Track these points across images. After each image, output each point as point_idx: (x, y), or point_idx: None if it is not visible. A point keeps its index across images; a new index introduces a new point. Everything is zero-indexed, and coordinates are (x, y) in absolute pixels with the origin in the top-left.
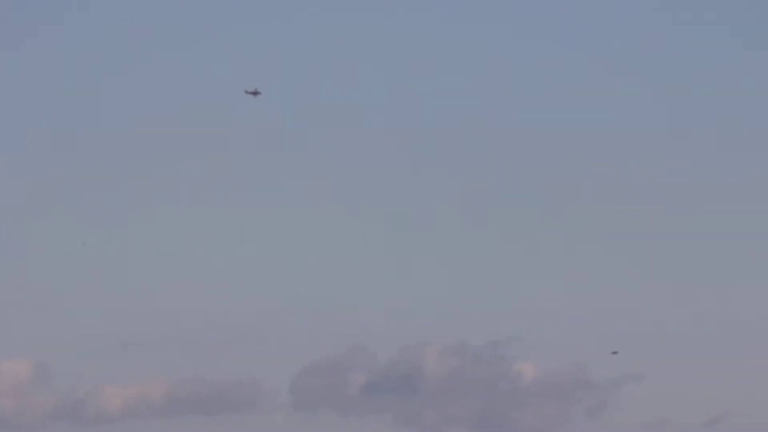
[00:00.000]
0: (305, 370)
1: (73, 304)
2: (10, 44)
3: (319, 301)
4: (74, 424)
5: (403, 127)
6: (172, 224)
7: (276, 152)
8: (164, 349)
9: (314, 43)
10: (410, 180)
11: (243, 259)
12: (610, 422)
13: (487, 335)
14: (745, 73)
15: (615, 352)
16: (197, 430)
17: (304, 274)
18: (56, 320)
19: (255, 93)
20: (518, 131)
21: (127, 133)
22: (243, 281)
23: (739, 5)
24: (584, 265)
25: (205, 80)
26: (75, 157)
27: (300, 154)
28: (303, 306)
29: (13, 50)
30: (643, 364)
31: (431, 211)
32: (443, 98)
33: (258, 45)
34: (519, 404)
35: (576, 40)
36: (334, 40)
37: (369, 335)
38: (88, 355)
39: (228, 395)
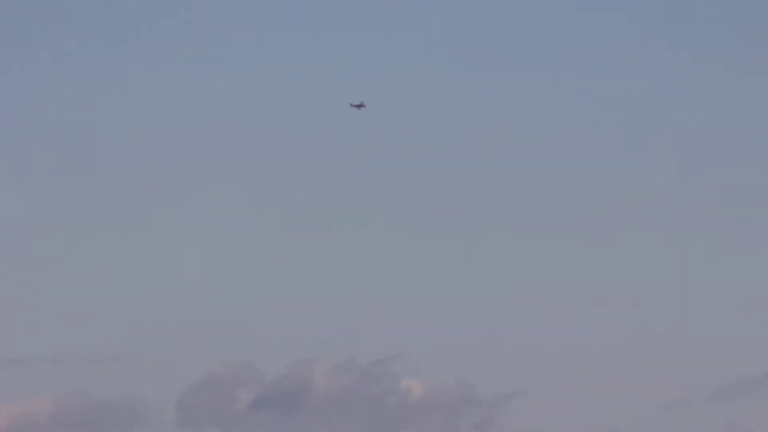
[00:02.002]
0: (192, 387)
1: None
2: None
3: (205, 316)
4: None
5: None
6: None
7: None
8: (50, 367)
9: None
10: (296, 191)
11: (128, 275)
12: None
13: (375, 352)
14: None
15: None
16: None
17: (190, 289)
18: None
19: (360, 106)
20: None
21: None
22: (129, 297)
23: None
24: (471, 282)
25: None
26: None
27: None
28: (189, 322)
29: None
30: (528, 380)
31: (318, 224)
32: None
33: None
34: (407, 421)
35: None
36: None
37: (257, 351)
38: None
39: (114, 412)
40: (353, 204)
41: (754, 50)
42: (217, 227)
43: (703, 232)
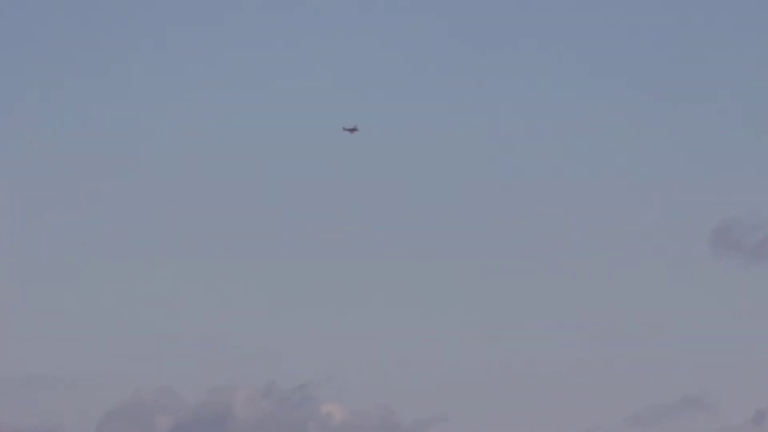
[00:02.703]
0: (111, 413)
1: None
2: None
3: (124, 342)
4: None
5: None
6: None
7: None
8: None
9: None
10: (219, 220)
11: (45, 301)
12: None
13: (296, 377)
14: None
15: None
16: None
17: (109, 313)
18: None
19: (353, 130)
20: None
21: None
22: (45, 320)
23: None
24: (392, 306)
25: None
26: None
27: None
28: (108, 348)
29: None
30: (449, 406)
31: (237, 248)
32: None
33: None
34: None
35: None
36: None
37: (176, 377)
38: None
39: None
40: (271, 229)
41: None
42: (133, 251)
43: (621, 262)
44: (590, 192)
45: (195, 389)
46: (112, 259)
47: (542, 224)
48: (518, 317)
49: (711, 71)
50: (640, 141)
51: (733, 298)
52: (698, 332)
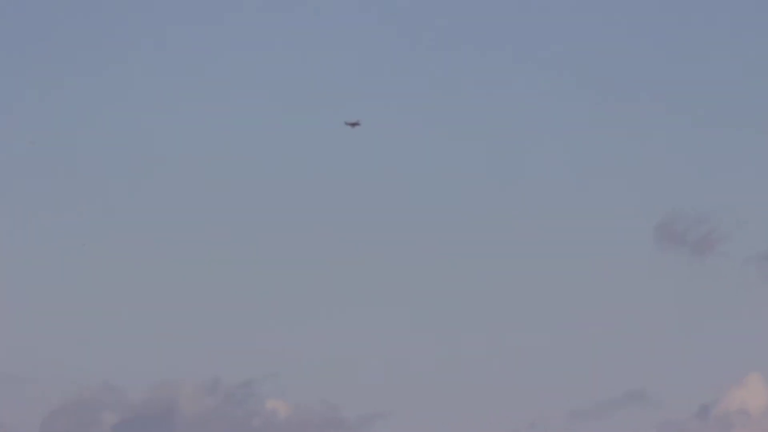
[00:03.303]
0: (55, 412)
1: None
2: None
3: (66, 339)
4: None
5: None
6: None
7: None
8: None
9: None
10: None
11: None
12: None
13: (241, 373)
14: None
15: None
16: None
17: (51, 310)
18: None
19: (354, 124)
20: None
21: None
22: None
23: None
24: (335, 304)
25: None
26: None
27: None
28: (51, 344)
29: None
30: (393, 402)
31: (181, 242)
32: None
33: None
34: None
35: None
36: None
37: (120, 373)
38: None
39: None
40: (218, 222)
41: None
42: (76, 246)
43: (563, 257)
44: (532, 186)
45: (139, 386)
46: (53, 257)
47: (476, 220)
48: (460, 313)
49: (642, 69)
50: (581, 136)
51: (677, 293)
52: (642, 327)
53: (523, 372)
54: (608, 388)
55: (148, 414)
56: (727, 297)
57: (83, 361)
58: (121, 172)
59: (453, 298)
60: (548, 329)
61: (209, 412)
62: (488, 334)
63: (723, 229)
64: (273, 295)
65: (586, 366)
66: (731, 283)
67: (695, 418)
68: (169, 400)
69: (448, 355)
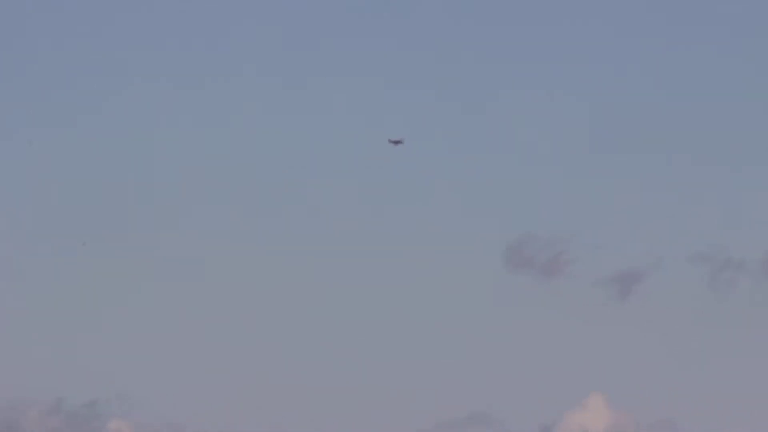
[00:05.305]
0: None
1: None
2: None
3: None
4: None
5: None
6: None
7: None
8: None
9: None
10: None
11: None
12: None
13: (85, 394)
14: None
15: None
16: None
17: None
18: None
19: (398, 142)
20: None
21: None
22: None
23: None
24: (182, 323)
25: None
26: None
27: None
28: None
29: None
30: (239, 422)
31: (21, 254)
32: None
33: None
34: None
35: None
36: None
37: None
38: None
39: None
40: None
41: None
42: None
43: (412, 276)
44: (383, 200)
45: None
46: None
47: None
48: (300, 336)
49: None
50: (441, 152)
51: (524, 315)
52: (486, 348)
53: (366, 391)
54: (452, 409)
55: None
56: (571, 318)
57: None
58: None
59: (283, 309)
60: (394, 348)
61: None
62: (332, 350)
63: (572, 252)
64: (117, 314)
65: (430, 387)
66: (577, 305)
67: None
68: (12, 420)
69: (291, 372)
